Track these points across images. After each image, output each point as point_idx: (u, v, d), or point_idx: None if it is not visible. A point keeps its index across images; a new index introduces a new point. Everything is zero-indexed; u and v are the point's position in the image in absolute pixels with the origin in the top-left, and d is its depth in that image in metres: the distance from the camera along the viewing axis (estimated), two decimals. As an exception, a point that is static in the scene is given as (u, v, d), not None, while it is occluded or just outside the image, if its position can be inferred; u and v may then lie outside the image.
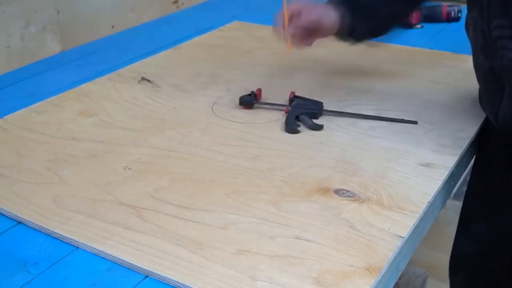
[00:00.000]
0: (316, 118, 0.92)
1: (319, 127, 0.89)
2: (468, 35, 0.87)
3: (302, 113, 0.91)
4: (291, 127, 0.89)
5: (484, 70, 0.84)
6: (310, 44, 0.99)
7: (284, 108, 0.95)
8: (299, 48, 0.98)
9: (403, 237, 0.65)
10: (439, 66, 1.13)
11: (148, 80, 1.09)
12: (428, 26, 1.38)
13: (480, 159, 0.99)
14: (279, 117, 0.94)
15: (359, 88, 1.04)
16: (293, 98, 0.98)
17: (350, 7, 0.95)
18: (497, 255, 0.99)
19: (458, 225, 1.08)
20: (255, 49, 1.25)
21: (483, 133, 0.92)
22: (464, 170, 0.89)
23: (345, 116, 0.93)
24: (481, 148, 0.94)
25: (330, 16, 0.94)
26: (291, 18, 0.95)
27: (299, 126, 0.90)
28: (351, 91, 1.03)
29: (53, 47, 1.28)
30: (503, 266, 1.00)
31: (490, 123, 0.89)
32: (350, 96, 1.01)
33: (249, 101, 0.97)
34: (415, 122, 0.89)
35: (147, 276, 0.62)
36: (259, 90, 0.99)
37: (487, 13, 0.78)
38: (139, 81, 1.09)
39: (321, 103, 0.95)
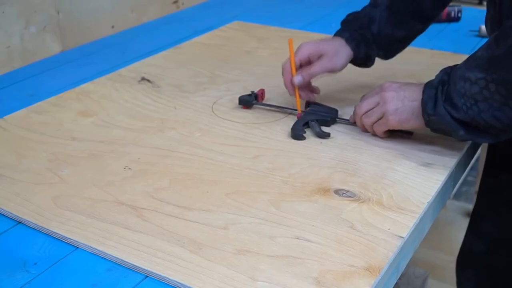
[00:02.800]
0: (328, 125, 0.90)
1: (325, 135, 0.87)
2: (487, 33, 0.87)
3: (313, 120, 0.88)
4: (297, 133, 0.87)
5: None
6: (318, 92, 0.97)
7: (285, 110, 0.95)
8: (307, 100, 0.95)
9: (403, 237, 0.65)
10: (439, 66, 1.13)
11: (148, 80, 1.09)
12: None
13: (489, 158, 0.99)
14: (279, 117, 0.94)
15: (359, 89, 1.03)
16: (309, 104, 0.95)
17: (364, 39, 0.93)
18: (504, 254, 1.00)
19: (469, 222, 1.08)
20: (255, 49, 1.25)
21: None
22: (464, 170, 0.89)
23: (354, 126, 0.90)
24: (491, 146, 0.94)
25: (342, 58, 0.92)
26: (300, 66, 0.92)
27: (305, 132, 0.88)
28: (350, 91, 1.03)
29: (53, 47, 1.28)
30: (511, 266, 1.00)
31: None
32: (349, 96, 1.00)
33: (248, 101, 0.97)
34: (410, 133, 0.86)
35: (147, 276, 0.62)
36: (262, 90, 0.99)
37: (499, 12, 0.78)
38: (139, 81, 1.09)
39: (336, 110, 0.91)
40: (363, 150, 0.83)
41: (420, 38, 1.32)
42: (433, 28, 1.37)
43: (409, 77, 1.08)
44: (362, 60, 0.96)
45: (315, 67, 0.91)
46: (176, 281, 0.60)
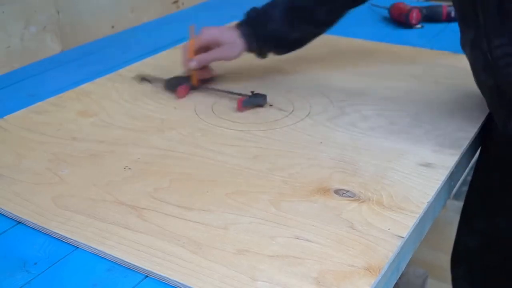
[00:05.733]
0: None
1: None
2: (466, 55, 0.86)
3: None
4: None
5: (489, 88, 0.83)
6: (213, 73, 1.08)
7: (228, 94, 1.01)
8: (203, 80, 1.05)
9: (403, 237, 0.65)
10: (439, 66, 1.13)
11: (148, 80, 1.09)
12: (428, 26, 1.38)
13: (481, 157, 0.99)
14: (279, 117, 0.94)
15: (358, 88, 1.04)
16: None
17: (258, 36, 1.02)
18: (495, 252, 1.00)
19: (460, 219, 1.08)
20: (255, 49, 1.25)
21: (485, 130, 0.92)
22: (464, 170, 0.89)
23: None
24: (483, 145, 0.95)
25: (236, 50, 1.01)
26: (199, 50, 1.02)
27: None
28: (350, 91, 1.03)
29: (53, 47, 1.28)
30: (502, 264, 1.00)
31: (492, 122, 0.89)
32: (350, 96, 1.01)
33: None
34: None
35: (147, 276, 0.62)
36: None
37: (485, 32, 0.77)
38: (139, 81, 1.09)
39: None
40: (363, 150, 0.83)
41: (420, 38, 1.33)
42: (433, 28, 1.38)
43: (409, 77, 1.08)
44: (255, 53, 1.05)
45: (211, 55, 1.02)
46: (176, 281, 0.60)
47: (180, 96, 1.01)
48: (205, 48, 1.02)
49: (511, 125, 0.81)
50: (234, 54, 1.02)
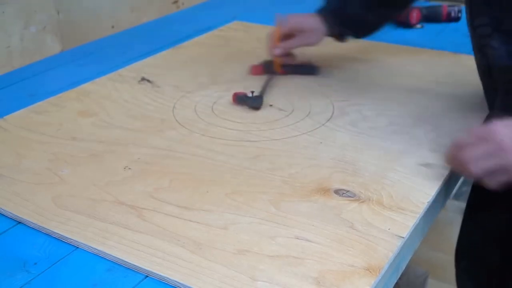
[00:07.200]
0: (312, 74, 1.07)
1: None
2: (470, 36, 0.88)
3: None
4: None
5: (481, 68, 0.85)
6: (295, 58, 1.10)
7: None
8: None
9: (403, 237, 0.65)
10: (439, 66, 1.13)
11: (148, 80, 1.09)
12: (428, 26, 1.38)
13: None
14: (279, 117, 0.94)
15: (359, 88, 1.04)
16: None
17: (339, 20, 1.03)
18: (496, 245, 1.00)
19: (463, 214, 1.09)
20: (255, 49, 1.25)
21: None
22: (464, 170, 0.89)
23: None
24: None
25: (318, 35, 1.05)
26: (283, 38, 1.05)
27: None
28: (351, 91, 1.03)
29: (53, 47, 1.28)
30: (502, 257, 1.00)
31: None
32: (350, 96, 1.01)
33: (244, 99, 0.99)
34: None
35: (147, 276, 0.62)
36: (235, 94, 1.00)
37: (469, 11, 0.79)
38: (139, 81, 1.09)
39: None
40: (363, 150, 0.83)
41: (420, 38, 1.33)
42: (433, 28, 1.38)
43: (409, 77, 1.08)
44: (335, 37, 1.08)
45: (294, 41, 1.06)
46: (176, 281, 0.60)
47: (253, 74, 1.09)
48: (289, 35, 1.05)
49: (496, 105, 0.82)
50: (317, 40, 1.05)
